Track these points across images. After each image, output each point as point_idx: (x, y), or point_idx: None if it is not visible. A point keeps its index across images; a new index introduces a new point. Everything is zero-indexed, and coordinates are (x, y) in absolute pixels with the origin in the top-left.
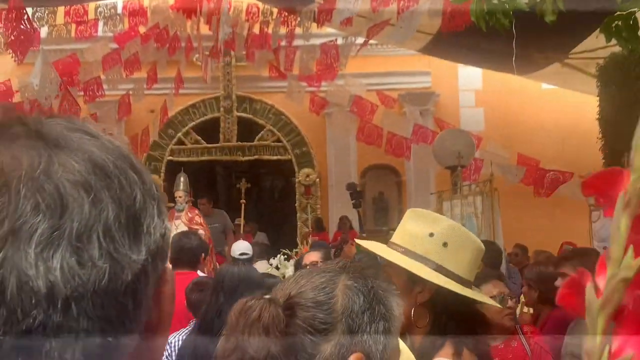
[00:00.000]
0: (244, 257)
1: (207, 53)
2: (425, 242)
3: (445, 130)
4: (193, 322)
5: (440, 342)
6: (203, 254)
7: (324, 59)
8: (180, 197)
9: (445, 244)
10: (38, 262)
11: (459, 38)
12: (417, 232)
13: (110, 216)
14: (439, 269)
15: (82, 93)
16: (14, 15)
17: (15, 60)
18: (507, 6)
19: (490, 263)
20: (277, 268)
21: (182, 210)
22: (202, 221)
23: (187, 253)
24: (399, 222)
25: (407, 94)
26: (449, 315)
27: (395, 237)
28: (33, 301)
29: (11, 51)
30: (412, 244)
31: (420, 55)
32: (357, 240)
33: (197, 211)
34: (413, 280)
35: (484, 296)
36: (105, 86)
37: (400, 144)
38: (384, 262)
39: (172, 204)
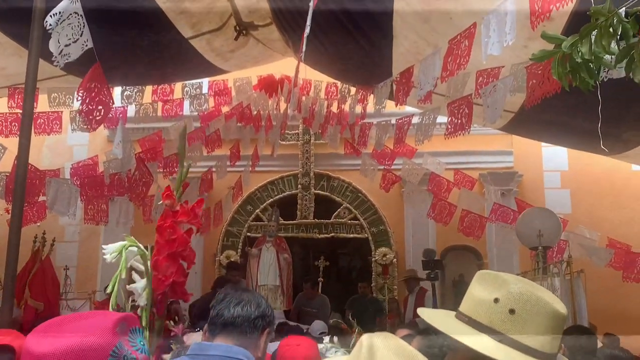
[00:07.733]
0: (323, 335)
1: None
2: (490, 309)
3: (531, 208)
4: None
5: None
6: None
7: (398, 136)
8: (273, 226)
9: (512, 311)
10: None
11: (542, 115)
12: (482, 298)
13: None
14: (505, 340)
15: (161, 170)
16: (93, 86)
17: (87, 129)
18: (592, 64)
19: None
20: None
21: (272, 237)
22: (287, 247)
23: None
24: None
25: (488, 174)
26: None
27: (463, 305)
28: None
29: (85, 119)
30: (477, 312)
31: (502, 134)
32: (420, 310)
33: (283, 239)
34: (477, 356)
35: None
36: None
37: (474, 222)
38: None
39: None
